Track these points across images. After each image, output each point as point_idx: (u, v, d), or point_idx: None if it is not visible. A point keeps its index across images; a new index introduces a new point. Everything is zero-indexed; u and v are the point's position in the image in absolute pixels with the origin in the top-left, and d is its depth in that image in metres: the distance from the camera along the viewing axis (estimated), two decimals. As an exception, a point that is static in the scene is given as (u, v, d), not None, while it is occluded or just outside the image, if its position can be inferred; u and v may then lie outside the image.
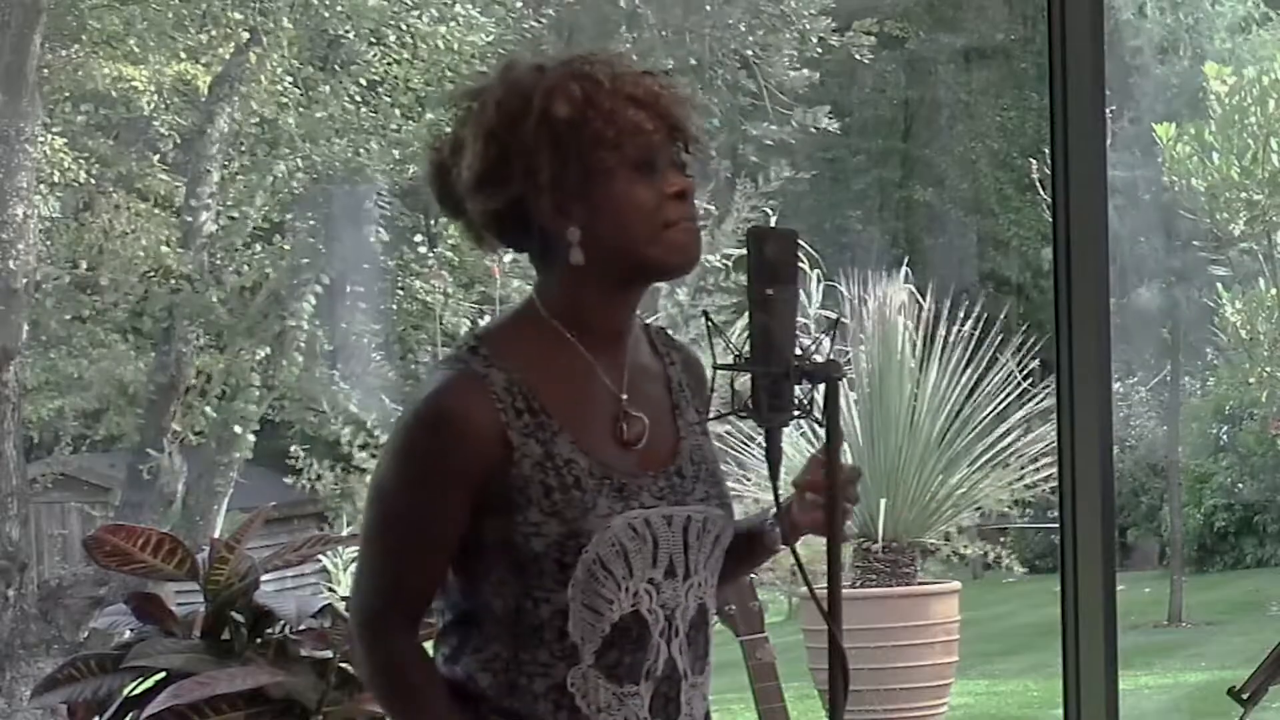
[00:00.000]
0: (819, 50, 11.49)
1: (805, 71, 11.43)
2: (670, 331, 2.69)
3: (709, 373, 2.58)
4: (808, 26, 11.31)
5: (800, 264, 2.47)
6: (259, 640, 4.28)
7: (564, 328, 2.47)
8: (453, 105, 2.50)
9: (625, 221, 2.43)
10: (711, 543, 2.51)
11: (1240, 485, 12.57)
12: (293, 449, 11.90)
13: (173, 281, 11.17)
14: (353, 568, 11.35)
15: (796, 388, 2.41)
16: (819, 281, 9.76)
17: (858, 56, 11.68)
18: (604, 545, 2.41)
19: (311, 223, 11.42)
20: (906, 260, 10.26)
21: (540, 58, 2.47)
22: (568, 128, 2.40)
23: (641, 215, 2.43)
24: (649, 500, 2.46)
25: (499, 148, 2.43)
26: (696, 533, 2.49)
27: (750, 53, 11.10)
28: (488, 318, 10.78)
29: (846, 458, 9.67)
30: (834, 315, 9.42)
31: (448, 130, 2.49)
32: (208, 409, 11.19)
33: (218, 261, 11.25)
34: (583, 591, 2.41)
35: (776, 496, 2.46)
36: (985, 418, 9.35)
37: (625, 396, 2.50)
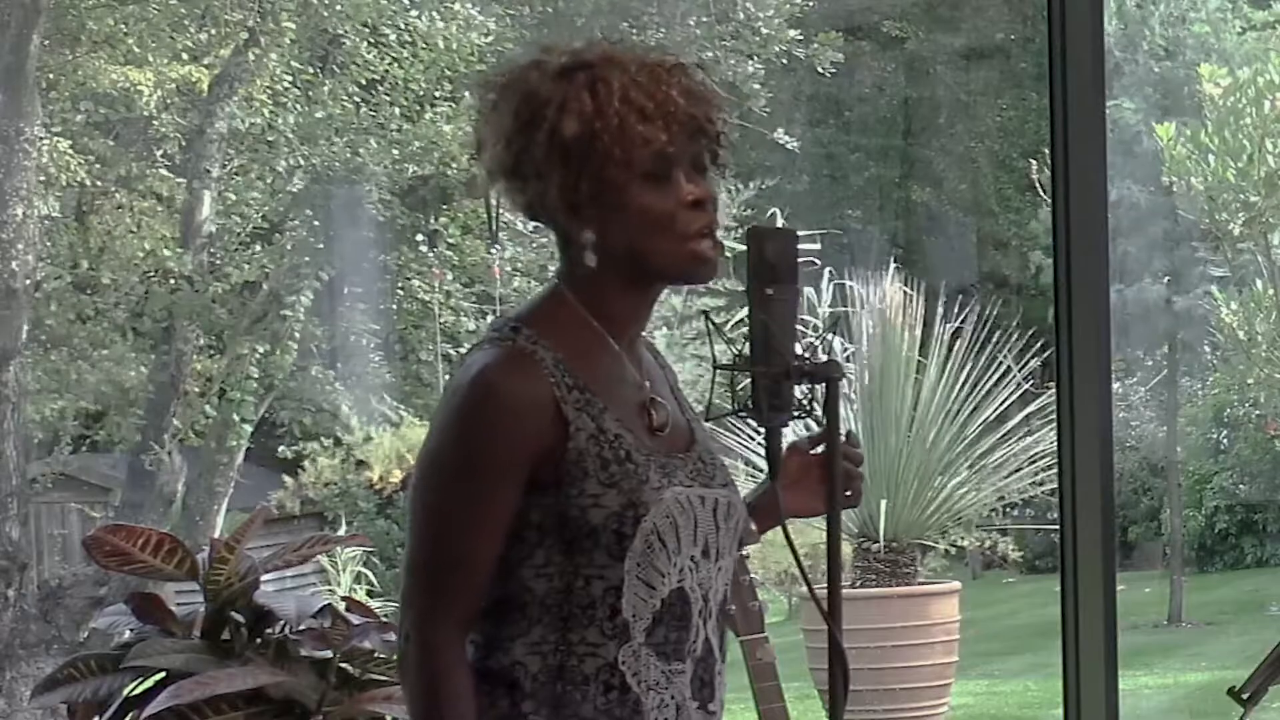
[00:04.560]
0: (784, 60, 11.45)
1: (758, 86, 11.30)
2: (664, 328, 2.72)
3: (711, 376, 2.59)
4: (765, 32, 11.25)
5: (799, 263, 2.46)
6: (259, 640, 4.28)
7: (591, 317, 2.48)
8: (481, 92, 2.51)
9: (637, 231, 2.44)
10: (734, 528, 2.54)
11: (1241, 486, 12.57)
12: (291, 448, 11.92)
13: (173, 281, 11.17)
14: (351, 566, 11.30)
15: (796, 388, 2.42)
16: (829, 280, 9.76)
17: (820, 70, 11.63)
18: (660, 516, 2.42)
19: (314, 223, 11.42)
20: (902, 259, 10.24)
21: (568, 55, 2.46)
22: (576, 143, 2.41)
23: (655, 225, 2.43)
24: (685, 480, 2.48)
25: (514, 152, 2.45)
26: (723, 516, 2.51)
27: (710, 54, 11.04)
28: (490, 317, 10.79)
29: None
30: (837, 315, 9.43)
31: (482, 110, 2.50)
32: (208, 409, 11.19)
33: (217, 261, 11.26)
34: (639, 564, 2.41)
35: (776, 496, 2.46)
36: (985, 418, 9.35)
37: (648, 384, 2.52)
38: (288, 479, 12.03)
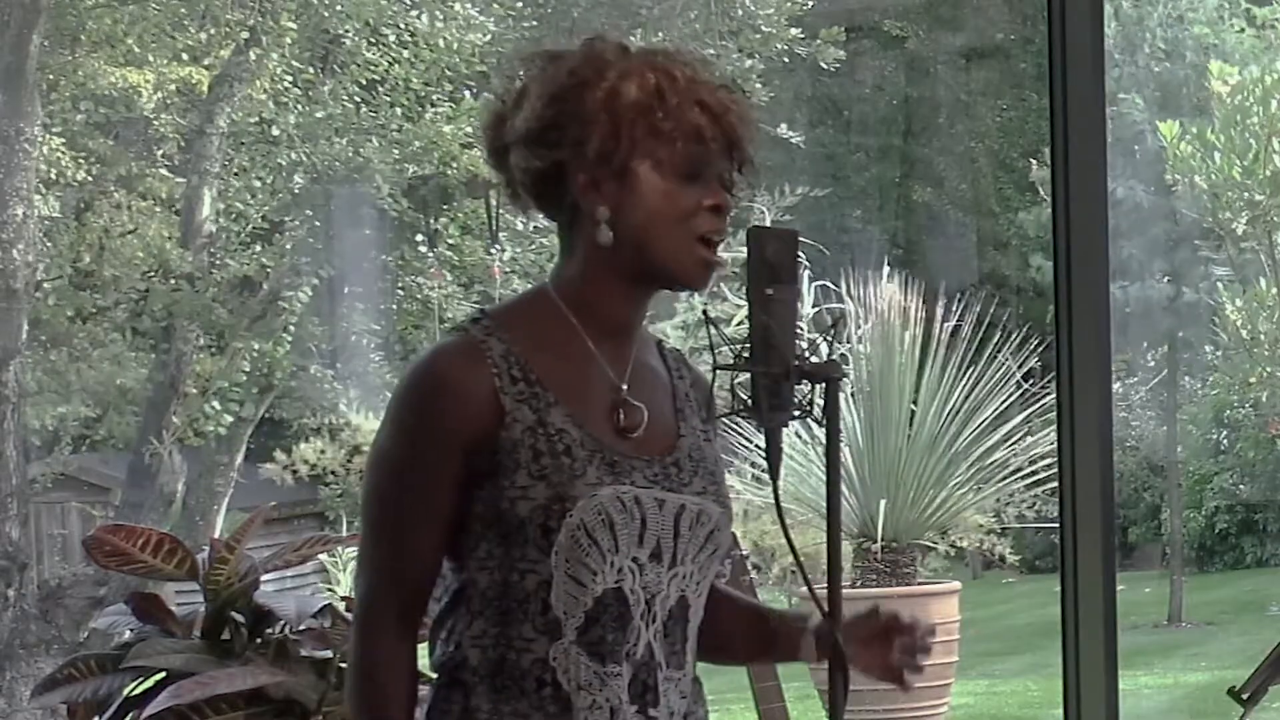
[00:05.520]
0: (785, 59, 11.45)
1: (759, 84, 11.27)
2: (680, 328, 2.71)
3: (710, 376, 2.59)
4: (765, 30, 11.23)
5: (800, 264, 2.47)
6: (259, 640, 4.28)
7: (571, 313, 2.48)
8: (526, 62, 2.51)
9: (655, 217, 2.44)
10: (705, 536, 2.51)
11: (1241, 486, 12.56)
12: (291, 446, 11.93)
13: (173, 281, 11.17)
14: (352, 566, 11.36)
15: (796, 388, 2.42)
16: (810, 281, 9.75)
17: (823, 65, 11.61)
18: (589, 512, 2.41)
19: (315, 223, 11.42)
20: (901, 259, 10.24)
21: (626, 42, 2.49)
22: (632, 109, 2.42)
23: (673, 216, 2.44)
24: (642, 481, 2.46)
25: (558, 109, 2.44)
26: (689, 523, 2.49)
27: (710, 51, 11.03)
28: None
29: (846, 458, 9.63)
30: (831, 315, 9.43)
31: (517, 83, 2.50)
32: (208, 409, 11.19)
33: (218, 261, 11.26)
34: (566, 560, 2.40)
35: (777, 497, 2.45)
36: (985, 418, 9.35)
37: (625, 386, 2.50)
38: (280, 454, 12.04)
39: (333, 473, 12.20)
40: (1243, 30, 11.29)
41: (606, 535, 2.42)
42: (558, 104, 2.44)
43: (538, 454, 2.41)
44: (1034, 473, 9.44)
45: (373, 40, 11.41)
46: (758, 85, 11.16)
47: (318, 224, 11.45)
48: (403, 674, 2.46)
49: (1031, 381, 9.41)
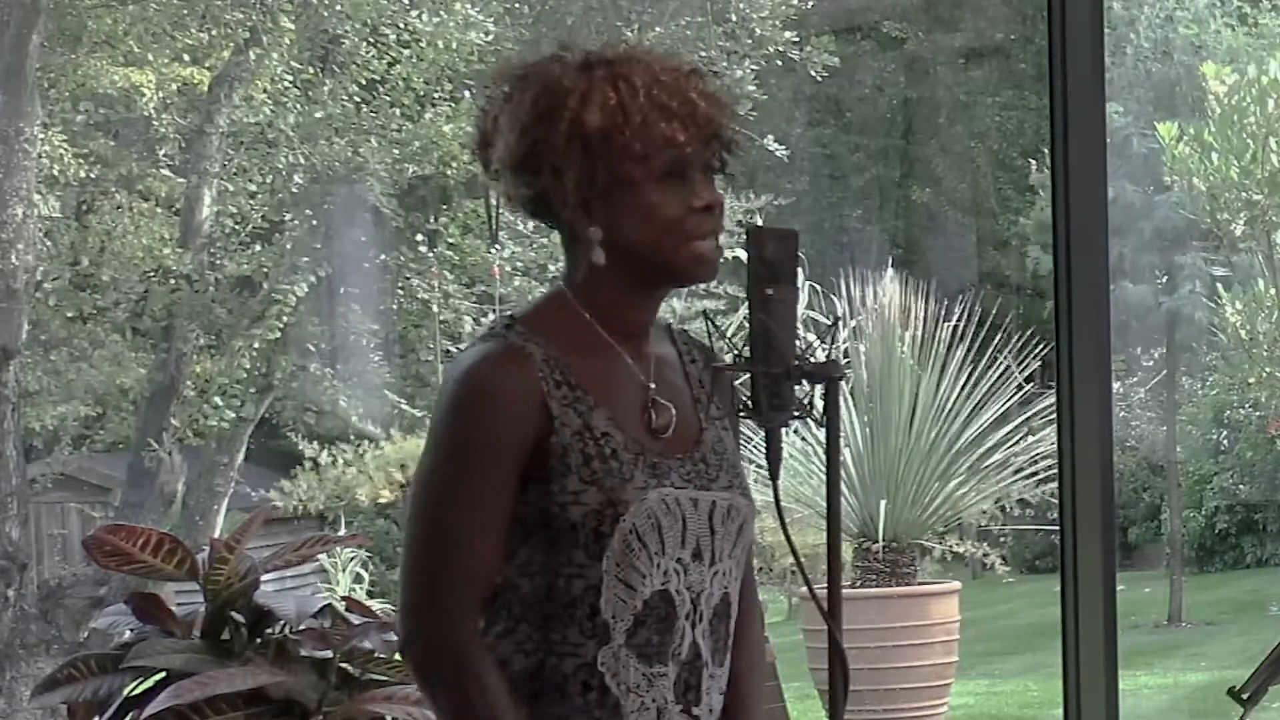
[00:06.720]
0: (779, 61, 11.42)
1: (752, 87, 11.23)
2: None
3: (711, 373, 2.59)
4: (760, 33, 11.20)
5: (800, 264, 2.47)
6: (259, 640, 4.28)
7: (591, 317, 2.49)
8: (495, 83, 2.50)
9: (647, 230, 2.44)
10: (736, 531, 2.53)
11: (1241, 486, 12.57)
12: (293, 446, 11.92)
13: (172, 281, 11.17)
14: (351, 566, 11.25)
15: (796, 388, 2.42)
16: (803, 281, 9.75)
17: (813, 73, 11.59)
18: (640, 516, 2.42)
19: (313, 222, 11.42)
20: (902, 259, 10.22)
21: (588, 51, 2.47)
22: (597, 136, 2.41)
23: (664, 226, 2.44)
24: (678, 481, 2.47)
25: (530, 142, 2.44)
26: (721, 518, 2.51)
27: (704, 54, 10.99)
28: (490, 316, 10.79)
29: (846, 458, 9.66)
30: (826, 317, 9.42)
31: (492, 101, 2.50)
32: (207, 409, 11.19)
33: (217, 261, 11.25)
34: (618, 564, 2.41)
35: (776, 496, 2.46)
36: (985, 418, 9.35)
37: (653, 385, 2.51)
38: (285, 483, 12.02)
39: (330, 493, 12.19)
40: (1234, 29, 11.29)
41: (655, 538, 2.43)
42: (528, 137, 2.44)
43: (587, 458, 2.42)
44: (1034, 473, 9.44)
45: (372, 40, 11.40)
46: (752, 87, 11.15)
47: (316, 224, 11.45)
48: (499, 676, 2.41)
49: (1033, 384, 9.41)
